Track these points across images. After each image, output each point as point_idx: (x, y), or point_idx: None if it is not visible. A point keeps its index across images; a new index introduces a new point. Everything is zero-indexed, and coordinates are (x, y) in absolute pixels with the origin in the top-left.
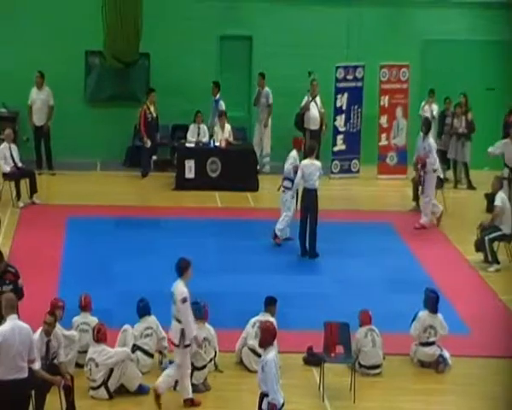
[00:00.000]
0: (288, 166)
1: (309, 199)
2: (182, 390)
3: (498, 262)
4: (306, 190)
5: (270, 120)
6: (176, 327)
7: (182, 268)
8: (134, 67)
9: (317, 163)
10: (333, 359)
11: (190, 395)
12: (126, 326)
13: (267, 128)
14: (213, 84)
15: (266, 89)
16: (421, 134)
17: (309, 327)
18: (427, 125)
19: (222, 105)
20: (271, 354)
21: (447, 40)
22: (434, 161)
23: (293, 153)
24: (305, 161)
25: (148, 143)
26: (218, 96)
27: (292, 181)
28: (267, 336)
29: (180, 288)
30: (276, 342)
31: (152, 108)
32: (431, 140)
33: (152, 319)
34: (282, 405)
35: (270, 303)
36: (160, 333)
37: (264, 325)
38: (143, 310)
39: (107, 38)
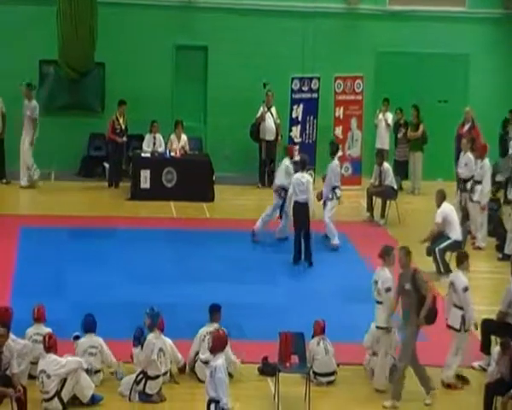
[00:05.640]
0: (284, 176)
1: (301, 213)
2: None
3: (451, 272)
4: (298, 204)
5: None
6: (456, 314)
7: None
8: (89, 77)
9: (309, 177)
10: (288, 368)
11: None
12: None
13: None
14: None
15: (34, 101)
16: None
17: (264, 337)
18: (334, 146)
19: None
20: (221, 361)
21: (399, 52)
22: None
23: (286, 161)
24: (297, 175)
25: (124, 139)
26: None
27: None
28: (218, 344)
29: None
30: (228, 350)
31: (121, 120)
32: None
33: (96, 339)
34: None
35: (214, 311)
36: (105, 354)
37: (216, 333)
38: (89, 326)
39: (62, 47)
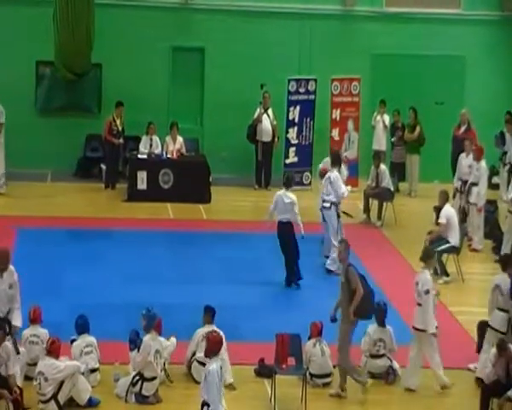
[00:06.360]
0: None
1: (285, 232)
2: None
3: (448, 275)
4: (281, 224)
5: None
6: (501, 316)
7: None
8: (85, 78)
9: (293, 197)
10: (284, 370)
11: None
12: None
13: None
14: None
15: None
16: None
17: (260, 339)
18: (336, 158)
19: None
20: (215, 365)
21: (396, 54)
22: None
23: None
24: (280, 193)
25: (121, 141)
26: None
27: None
28: (213, 347)
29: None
30: (225, 354)
31: (118, 121)
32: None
33: (90, 339)
34: None
35: (207, 312)
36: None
37: (210, 336)
38: (82, 327)
39: (59, 48)
